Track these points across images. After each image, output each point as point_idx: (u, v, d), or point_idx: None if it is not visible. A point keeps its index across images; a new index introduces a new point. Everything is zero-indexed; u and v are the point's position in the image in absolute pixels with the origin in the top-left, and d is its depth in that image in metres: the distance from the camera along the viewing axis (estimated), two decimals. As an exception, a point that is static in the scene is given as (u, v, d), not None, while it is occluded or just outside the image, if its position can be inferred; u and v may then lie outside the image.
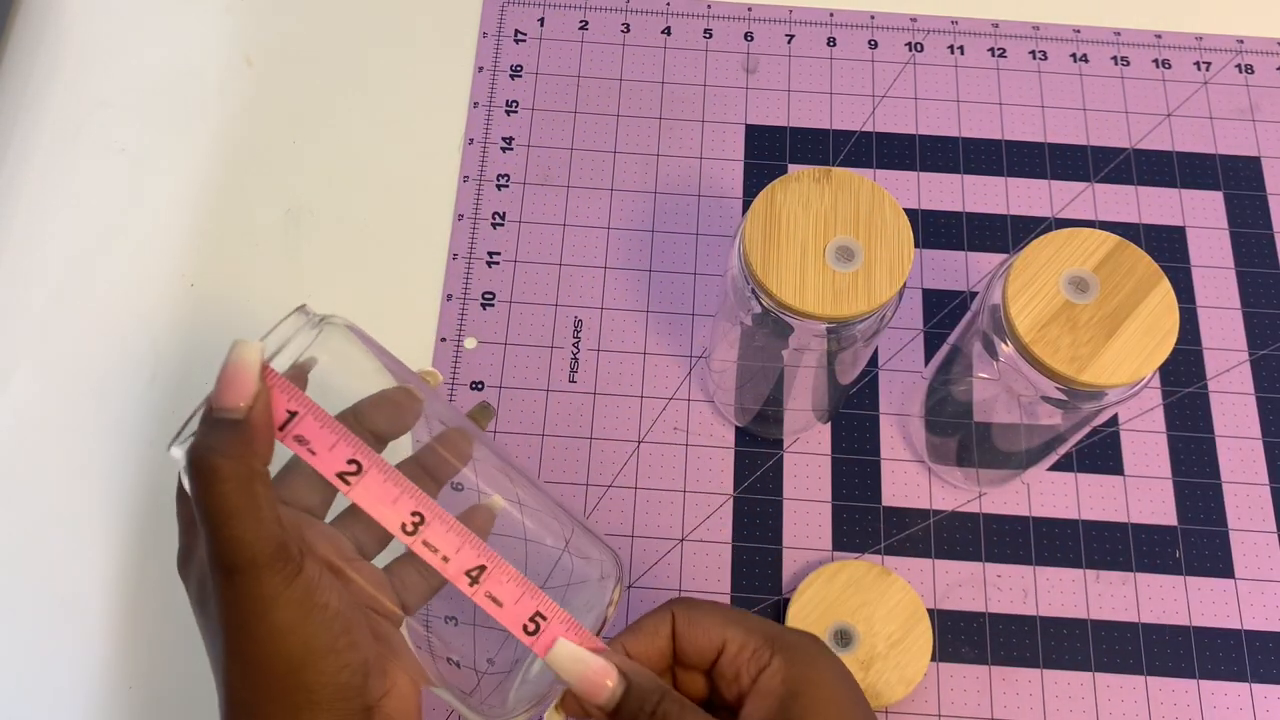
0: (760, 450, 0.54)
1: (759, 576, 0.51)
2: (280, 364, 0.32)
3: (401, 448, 0.36)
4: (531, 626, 0.32)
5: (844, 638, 0.48)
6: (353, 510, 0.36)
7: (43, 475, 0.53)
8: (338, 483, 0.31)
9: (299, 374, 0.33)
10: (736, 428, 0.54)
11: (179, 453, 0.31)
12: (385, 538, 0.36)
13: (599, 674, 0.32)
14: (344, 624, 0.31)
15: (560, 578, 0.35)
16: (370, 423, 0.35)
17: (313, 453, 0.31)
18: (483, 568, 0.31)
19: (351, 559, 0.35)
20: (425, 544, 0.31)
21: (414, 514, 0.31)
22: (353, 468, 0.31)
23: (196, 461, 0.29)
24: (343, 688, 0.31)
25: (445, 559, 0.31)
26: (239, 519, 0.29)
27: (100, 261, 0.57)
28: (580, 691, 0.33)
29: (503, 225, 0.58)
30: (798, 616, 0.48)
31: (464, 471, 0.36)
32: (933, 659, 0.50)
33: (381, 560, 0.36)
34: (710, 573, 0.51)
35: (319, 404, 0.32)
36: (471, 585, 0.31)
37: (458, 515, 0.33)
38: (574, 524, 0.36)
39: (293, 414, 0.31)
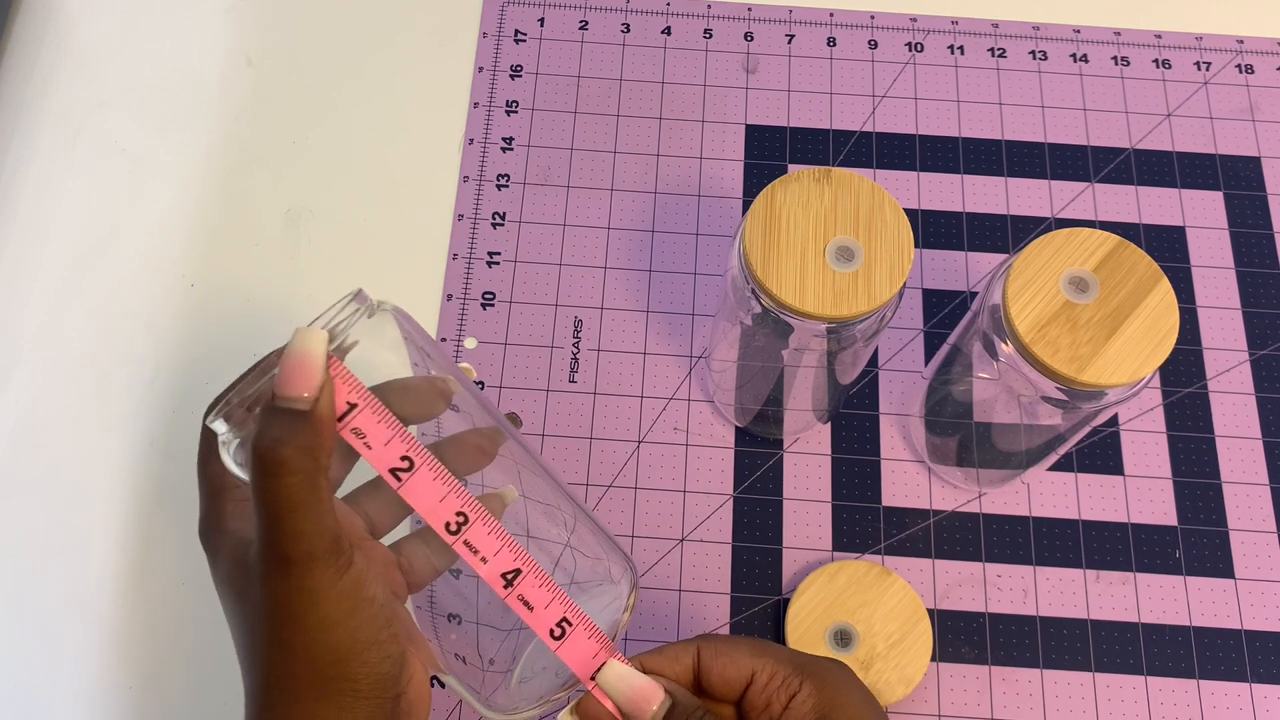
0: (760, 450, 0.54)
1: (759, 577, 0.51)
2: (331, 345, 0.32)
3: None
4: (558, 631, 0.33)
5: (844, 638, 0.48)
6: (366, 488, 0.36)
7: (43, 475, 0.53)
8: (390, 479, 0.31)
9: (339, 355, 0.33)
10: (736, 428, 0.54)
11: (221, 426, 0.31)
12: (398, 516, 0.37)
13: (645, 693, 0.33)
14: (387, 616, 0.32)
15: (579, 582, 0.35)
16: (397, 406, 0.35)
17: (369, 447, 0.31)
18: (518, 571, 0.32)
19: (363, 539, 0.35)
20: (466, 544, 0.31)
21: (459, 514, 0.31)
22: (405, 464, 0.31)
23: (263, 452, 0.29)
24: (383, 678, 0.32)
25: (484, 560, 0.32)
26: (302, 512, 0.29)
27: (100, 261, 0.57)
28: (627, 709, 0.34)
29: (503, 225, 0.58)
30: (797, 616, 0.48)
31: (489, 468, 0.36)
32: (933, 659, 0.50)
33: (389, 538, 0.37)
34: (710, 573, 0.51)
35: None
36: (505, 588, 0.32)
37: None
38: (595, 530, 0.37)
39: (352, 406, 0.30)
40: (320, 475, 0.30)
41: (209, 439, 0.36)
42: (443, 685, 0.49)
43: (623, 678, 0.34)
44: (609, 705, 0.34)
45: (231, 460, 0.32)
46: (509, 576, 0.32)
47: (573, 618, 0.33)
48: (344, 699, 0.32)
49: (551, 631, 0.32)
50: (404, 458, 0.31)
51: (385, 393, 0.35)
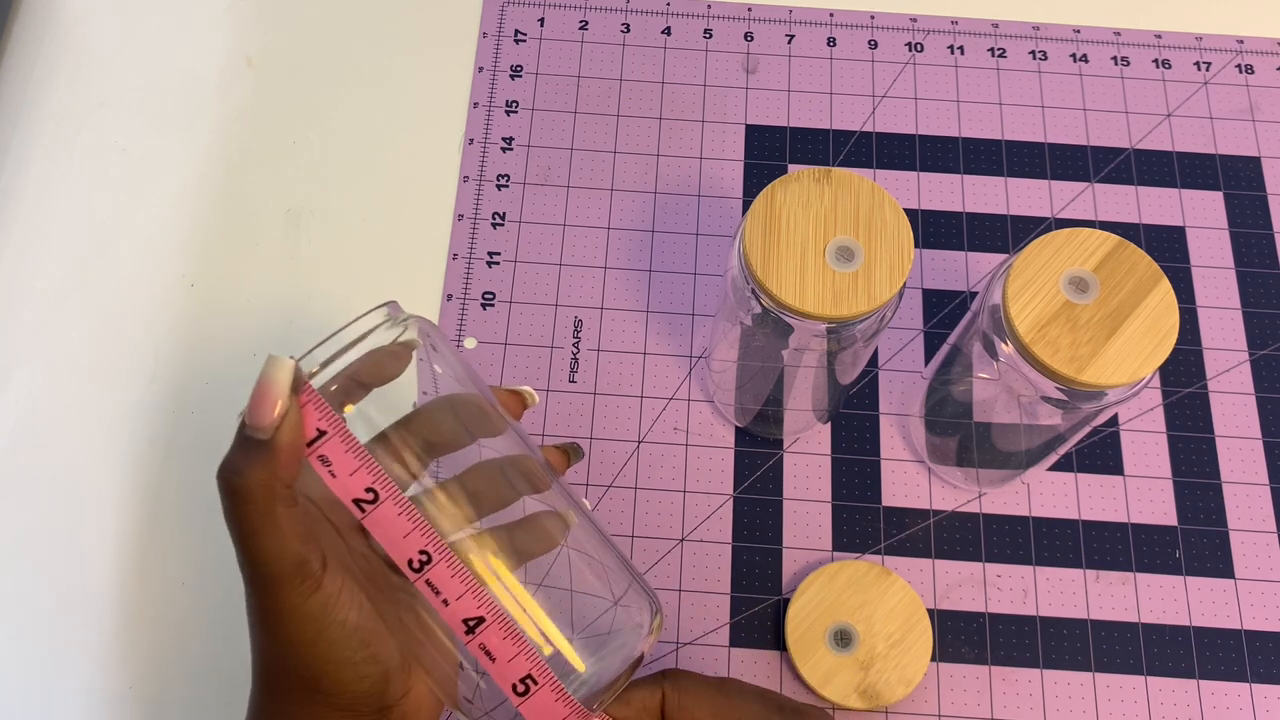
0: (760, 450, 0.54)
1: (759, 577, 0.51)
2: (352, 355, 0.33)
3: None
4: (521, 688, 0.32)
5: (844, 638, 0.48)
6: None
7: (43, 475, 0.53)
8: (353, 508, 0.31)
9: (375, 366, 0.33)
10: (736, 428, 0.54)
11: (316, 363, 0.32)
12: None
13: None
14: (362, 638, 0.32)
15: (597, 620, 0.35)
16: (422, 431, 0.35)
17: (333, 475, 0.31)
18: (481, 619, 0.31)
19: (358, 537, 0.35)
20: (428, 583, 0.31)
21: (421, 553, 0.31)
22: (370, 496, 0.31)
23: (222, 481, 0.30)
24: (360, 695, 0.33)
25: (445, 602, 0.32)
26: (258, 538, 0.31)
27: (100, 261, 0.57)
28: None
29: (503, 225, 0.58)
30: (797, 617, 0.48)
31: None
32: (933, 659, 0.50)
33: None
34: (710, 573, 0.51)
35: (378, 403, 0.32)
36: (467, 634, 0.32)
37: (531, 516, 0.34)
38: (620, 563, 0.36)
39: (321, 433, 0.31)
40: (277, 503, 0.30)
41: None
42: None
43: None
44: None
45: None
46: (470, 623, 0.31)
47: (539, 677, 0.32)
48: (318, 709, 0.33)
49: (514, 687, 0.32)
50: (369, 489, 0.31)
51: (413, 418, 0.35)
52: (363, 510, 0.31)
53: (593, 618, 0.35)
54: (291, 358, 0.31)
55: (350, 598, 0.32)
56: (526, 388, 0.39)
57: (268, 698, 0.34)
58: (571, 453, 0.39)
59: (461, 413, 0.35)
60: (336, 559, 0.33)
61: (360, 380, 0.34)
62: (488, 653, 0.31)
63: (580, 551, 0.36)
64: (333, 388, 0.33)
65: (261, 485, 0.30)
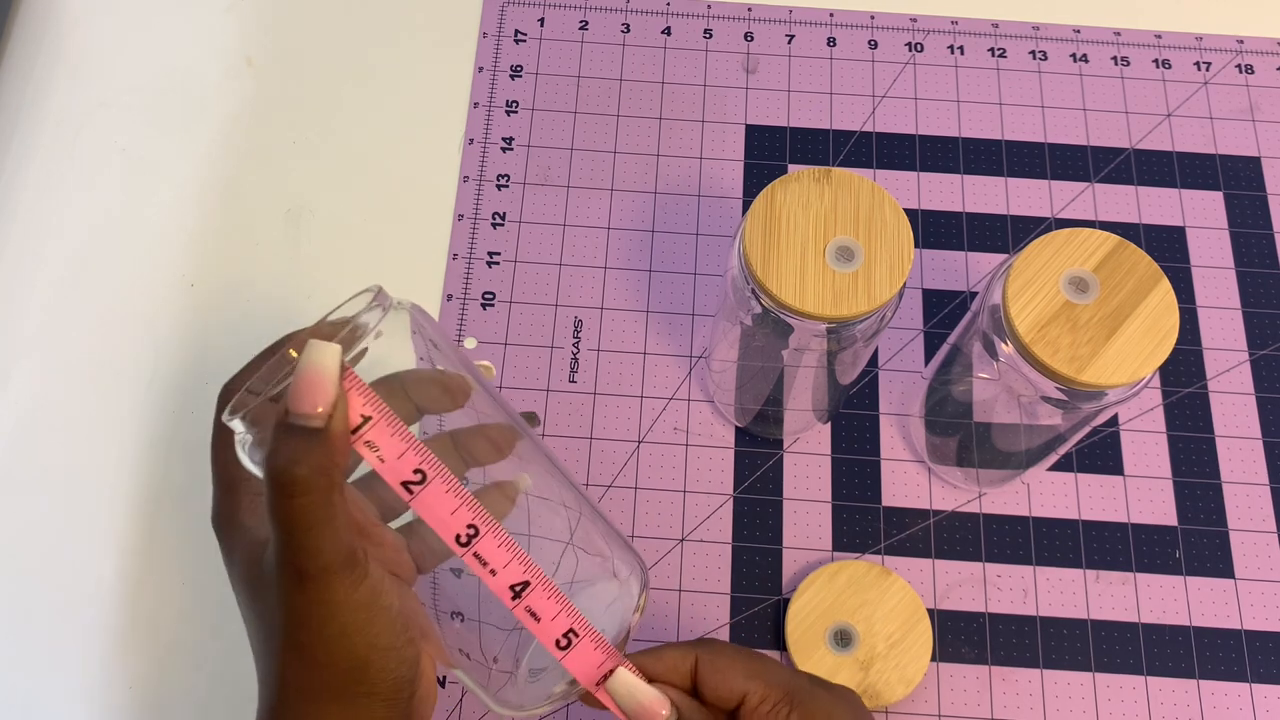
0: (760, 450, 0.54)
1: (759, 577, 0.51)
2: (355, 347, 0.32)
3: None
4: (564, 641, 0.33)
5: (844, 638, 0.48)
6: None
7: (43, 475, 0.53)
8: (401, 491, 0.31)
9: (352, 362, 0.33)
10: (736, 428, 0.54)
11: (238, 425, 0.31)
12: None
13: (653, 706, 0.34)
14: (403, 621, 0.32)
15: (581, 580, 0.35)
16: (417, 397, 0.35)
17: (381, 460, 0.30)
18: (527, 584, 0.32)
19: (374, 525, 0.35)
20: (476, 556, 0.32)
21: (469, 526, 0.31)
22: (418, 477, 0.31)
23: (277, 474, 0.29)
24: (399, 681, 0.33)
25: (493, 572, 0.32)
26: (318, 530, 0.30)
27: (100, 261, 0.57)
28: (634, 719, 0.34)
29: (503, 225, 0.58)
30: (798, 617, 0.48)
31: (503, 465, 0.36)
32: (933, 659, 0.50)
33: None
34: (710, 573, 0.51)
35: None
36: (514, 599, 0.32)
37: (481, 488, 0.34)
38: (609, 531, 0.37)
39: (366, 419, 0.30)
40: (335, 492, 0.30)
41: (223, 432, 0.36)
42: (443, 685, 0.49)
43: (630, 689, 0.34)
44: (616, 711, 0.34)
45: (247, 458, 0.32)
46: (517, 589, 0.32)
47: (580, 629, 0.33)
48: (360, 701, 0.32)
49: (557, 642, 0.33)
50: (417, 470, 0.31)
51: (400, 382, 0.35)
52: (410, 492, 0.31)
53: (589, 578, 0.36)
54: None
55: (391, 583, 0.32)
56: (486, 362, 0.37)
57: (294, 695, 0.33)
58: (528, 420, 0.39)
59: (414, 392, 0.35)
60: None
61: (417, 408, 0.34)
62: (533, 614, 0.32)
63: (548, 499, 0.36)
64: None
65: (322, 475, 0.29)
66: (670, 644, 0.36)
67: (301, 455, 0.29)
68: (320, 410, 0.29)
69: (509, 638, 0.35)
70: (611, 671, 0.34)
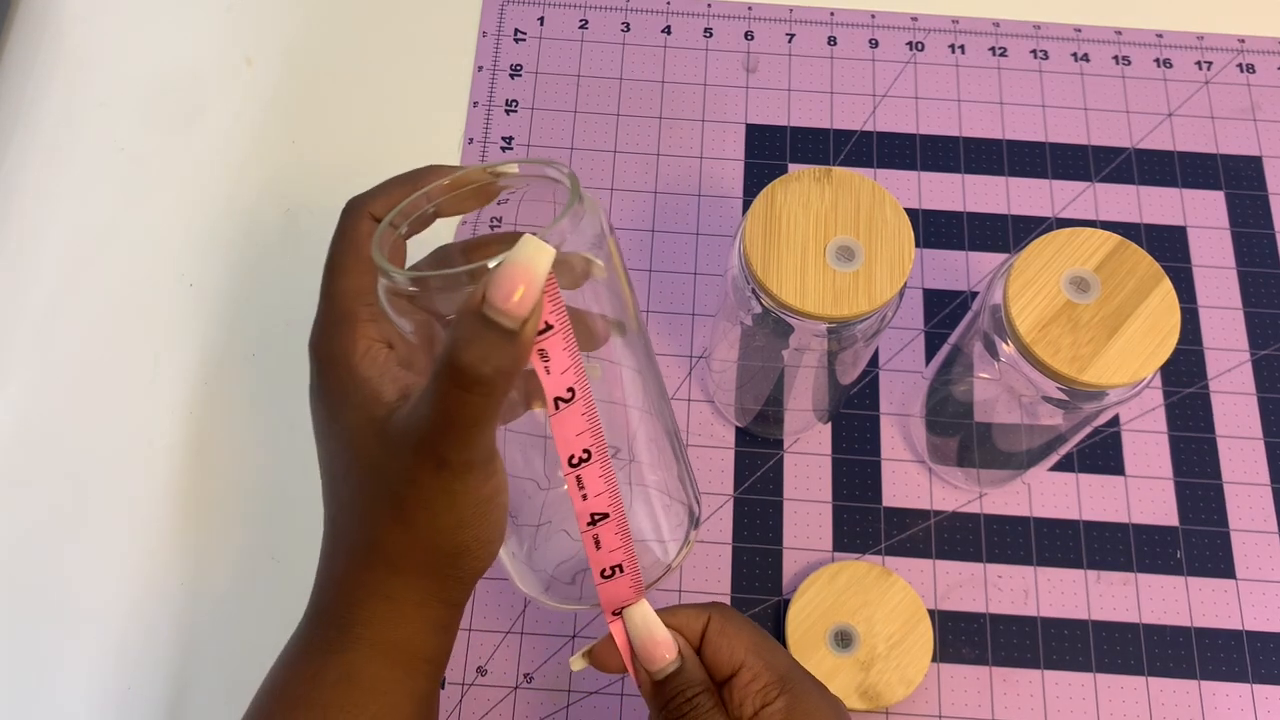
0: (760, 450, 0.54)
1: (759, 577, 0.51)
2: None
3: None
4: (609, 572, 0.34)
5: (844, 638, 0.48)
6: None
7: (42, 475, 0.53)
8: (551, 406, 0.30)
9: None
10: (736, 428, 0.54)
11: (401, 277, 0.30)
12: None
13: (662, 645, 0.35)
14: (506, 517, 0.33)
15: (644, 516, 0.37)
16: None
17: (548, 372, 0.30)
18: (606, 515, 0.33)
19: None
20: (578, 479, 0.32)
21: (585, 450, 0.31)
22: (569, 395, 0.30)
23: (463, 366, 0.28)
24: (483, 569, 0.34)
25: (584, 496, 0.32)
26: (479, 429, 0.29)
27: (100, 261, 0.57)
28: (641, 653, 0.35)
29: (501, 226, 0.58)
30: (798, 617, 0.48)
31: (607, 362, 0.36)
32: (933, 659, 0.50)
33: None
34: (710, 573, 0.51)
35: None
36: (589, 525, 0.33)
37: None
38: (678, 463, 0.37)
39: (548, 326, 0.29)
40: (505, 395, 0.29)
41: (348, 258, 0.34)
42: (443, 687, 0.49)
43: (646, 622, 0.35)
44: (623, 644, 0.35)
45: (385, 300, 0.32)
46: (596, 517, 0.33)
47: (626, 567, 0.34)
48: (448, 582, 0.33)
49: (603, 571, 0.34)
50: (570, 389, 0.30)
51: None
52: (557, 408, 0.30)
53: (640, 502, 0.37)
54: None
55: (506, 481, 0.32)
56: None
57: (381, 561, 0.33)
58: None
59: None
60: None
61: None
62: (597, 543, 0.33)
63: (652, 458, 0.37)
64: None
65: (504, 378, 0.28)
66: (686, 604, 0.37)
67: (491, 354, 0.27)
68: (520, 314, 0.27)
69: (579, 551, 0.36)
70: (630, 604, 0.35)
